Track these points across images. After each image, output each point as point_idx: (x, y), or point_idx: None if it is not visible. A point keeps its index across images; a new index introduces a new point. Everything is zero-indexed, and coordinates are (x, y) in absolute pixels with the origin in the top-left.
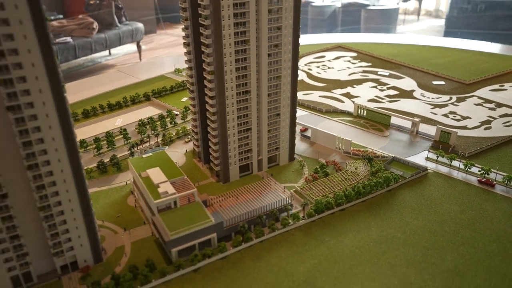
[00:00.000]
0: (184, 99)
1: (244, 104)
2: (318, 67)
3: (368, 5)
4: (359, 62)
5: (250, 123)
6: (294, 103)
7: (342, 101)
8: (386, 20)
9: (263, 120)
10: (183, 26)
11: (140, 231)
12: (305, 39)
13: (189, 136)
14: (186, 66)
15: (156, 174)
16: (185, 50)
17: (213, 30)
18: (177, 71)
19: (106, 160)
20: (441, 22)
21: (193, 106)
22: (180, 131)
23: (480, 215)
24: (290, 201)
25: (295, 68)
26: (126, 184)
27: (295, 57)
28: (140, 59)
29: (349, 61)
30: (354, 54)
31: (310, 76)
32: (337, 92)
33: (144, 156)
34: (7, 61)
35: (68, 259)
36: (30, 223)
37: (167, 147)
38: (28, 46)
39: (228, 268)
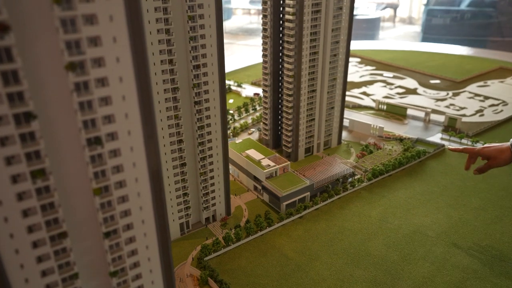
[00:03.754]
0: (231, 100)
1: (311, 100)
2: None
3: (356, 15)
4: (364, 66)
5: (314, 114)
6: (344, 98)
7: (362, 99)
8: (371, 28)
9: (323, 112)
10: (263, 41)
11: (247, 196)
12: None
13: (251, 130)
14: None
15: (254, 153)
16: (262, 59)
17: (297, 45)
18: None
19: None
20: (415, 28)
21: (265, 103)
22: (243, 125)
23: (489, 174)
24: (353, 170)
25: (346, 72)
26: None
27: (346, 64)
28: None
29: (355, 65)
30: (358, 60)
31: None
32: (355, 92)
33: (236, 141)
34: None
35: (211, 212)
36: (193, 185)
37: (236, 138)
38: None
39: (323, 215)
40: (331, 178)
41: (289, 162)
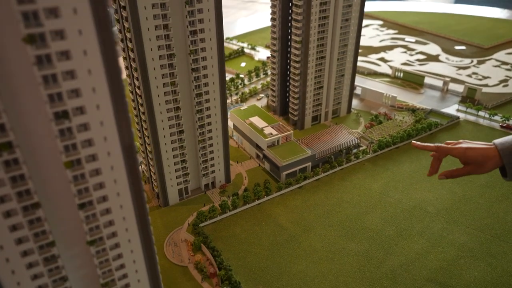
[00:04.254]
0: (243, 64)
1: (320, 67)
2: None
3: None
4: (386, 29)
5: (322, 82)
6: (355, 65)
7: (378, 65)
8: None
9: (332, 79)
10: (272, 4)
11: (249, 163)
12: None
13: (260, 95)
14: (271, 36)
15: (258, 121)
16: (271, 23)
17: (305, 9)
18: (228, 39)
19: None
20: None
21: (273, 69)
22: (252, 91)
23: None
24: (358, 141)
25: (358, 38)
26: None
27: (359, 29)
28: None
29: (377, 28)
30: (381, 22)
31: None
32: (373, 57)
33: (242, 108)
34: None
35: (210, 179)
36: (192, 152)
37: (244, 103)
38: None
39: (322, 186)
40: (334, 149)
41: (292, 131)
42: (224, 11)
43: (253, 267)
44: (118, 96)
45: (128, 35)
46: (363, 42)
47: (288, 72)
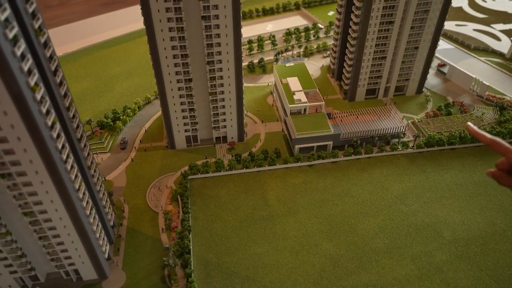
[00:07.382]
0: (331, 13)
1: (385, 33)
2: None
3: None
4: None
5: (386, 52)
6: (437, 38)
7: (498, 39)
8: None
9: (400, 51)
10: None
11: (274, 126)
12: None
13: (328, 52)
14: None
15: (294, 83)
16: None
17: None
18: None
19: (255, 61)
20: None
21: (337, 26)
22: (321, 46)
23: None
24: (404, 130)
25: (447, 3)
26: (268, 85)
27: None
28: None
29: None
30: None
31: (472, 4)
32: (497, 27)
33: (286, 65)
34: None
35: (221, 133)
36: (203, 102)
37: (307, 58)
38: None
39: (336, 171)
40: (367, 133)
41: (323, 102)
42: None
43: (214, 234)
44: None
45: None
46: (498, 6)
47: None
